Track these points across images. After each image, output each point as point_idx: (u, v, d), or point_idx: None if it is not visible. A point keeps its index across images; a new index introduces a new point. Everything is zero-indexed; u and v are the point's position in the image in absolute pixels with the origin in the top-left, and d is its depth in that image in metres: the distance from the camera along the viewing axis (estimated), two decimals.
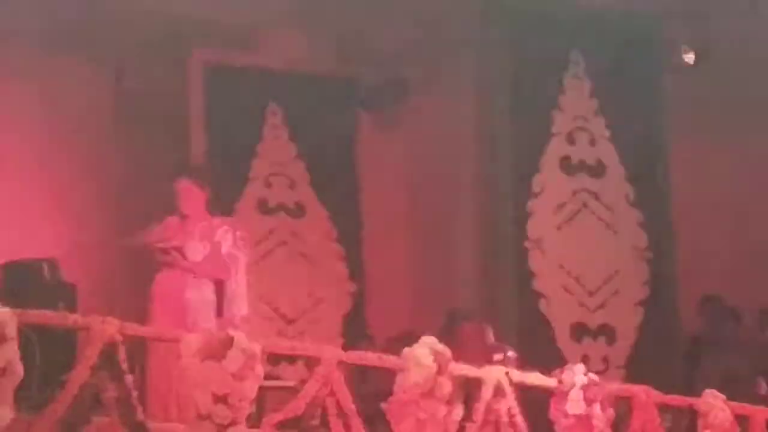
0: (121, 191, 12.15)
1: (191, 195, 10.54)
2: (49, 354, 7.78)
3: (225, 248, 10.43)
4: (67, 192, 10.84)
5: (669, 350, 13.29)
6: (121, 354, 7.70)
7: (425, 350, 8.96)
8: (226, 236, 10.51)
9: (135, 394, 7.79)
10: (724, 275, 13.81)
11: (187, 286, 10.17)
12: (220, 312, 10.32)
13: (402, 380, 8.87)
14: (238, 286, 10.45)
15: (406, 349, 8.98)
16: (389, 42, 13.25)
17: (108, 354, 7.67)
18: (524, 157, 13.58)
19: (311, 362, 8.70)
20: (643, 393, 10.18)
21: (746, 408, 10.82)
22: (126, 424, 7.69)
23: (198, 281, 10.26)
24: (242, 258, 10.54)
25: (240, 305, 10.45)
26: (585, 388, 9.70)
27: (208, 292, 10.30)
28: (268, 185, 13.28)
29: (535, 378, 9.77)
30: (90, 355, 7.64)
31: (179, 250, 10.33)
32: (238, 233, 10.58)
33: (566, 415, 9.67)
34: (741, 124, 13.99)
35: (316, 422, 8.44)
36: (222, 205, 12.90)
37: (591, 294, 13.37)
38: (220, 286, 10.35)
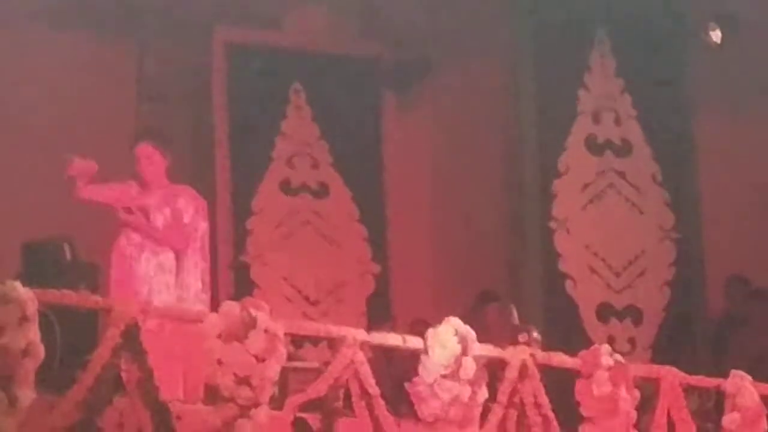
0: None
1: (152, 160, 10.35)
2: (70, 335, 7.84)
3: (186, 218, 10.29)
4: None
5: (696, 331, 13.29)
6: (137, 337, 7.78)
7: (449, 331, 8.98)
8: (188, 205, 10.37)
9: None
10: (752, 256, 13.76)
11: (146, 251, 10.04)
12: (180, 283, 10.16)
13: (426, 362, 8.90)
14: (197, 257, 10.29)
15: (430, 331, 9.00)
16: (412, 20, 13.24)
17: (130, 334, 7.71)
18: (550, 136, 13.59)
19: (334, 344, 8.72)
20: (669, 374, 10.17)
21: None
22: (148, 405, 7.72)
23: (158, 248, 10.11)
24: (203, 229, 10.40)
25: (196, 277, 10.29)
26: (611, 369, 9.70)
27: (168, 261, 10.13)
28: (291, 166, 13.27)
29: (560, 359, 9.79)
30: (112, 335, 7.67)
31: (143, 211, 10.20)
32: (200, 203, 10.46)
33: (592, 397, 9.69)
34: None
35: (339, 404, 8.47)
36: (245, 182, 13.01)
37: (617, 274, 13.34)
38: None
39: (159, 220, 10.21)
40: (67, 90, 11.79)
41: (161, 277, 9.90)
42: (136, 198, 10.26)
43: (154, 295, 9.53)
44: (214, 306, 8.53)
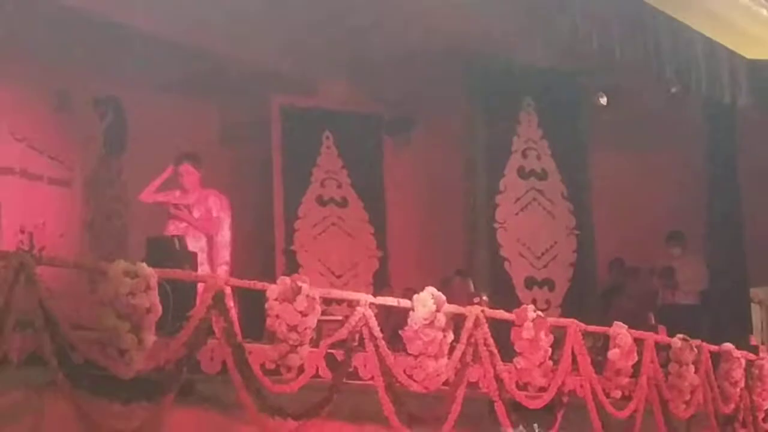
0: (228, 199, 12.19)
1: (190, 174, 10.33)
2: (178, 298, 7.75)
3: (215, 212, 10.29)
4: None
5: (590, 296, 13.28)
6: (228, 298, 7.84)
7: (428, 296, 9.04)
8: (215, 203, 10.34)
9: (237, 324, 7.90)
10: (626, 246, 13.83)
11: (189, 236, 9.97)
12: (210, 258, 10.24)
13: (413, 316, 8.97)
14: (223, 238, 10.30)
15: (416, 295, 9.07)
16: (401, 91, 13.23)
17: (218, 298, 7.73)
18: (493, 166, 13.51)
19: (352, 304, 8.77)
20: (572, 324, 10.21)
21: (641, 333, 10.88)
22: (230, 344, 7.74)
23: (196, 233, 10.13)
24: (226, 219, 10.35)
25: (223, 253, 10.34)
26: (534, 321, 9.76)
27: (203, 243, 10.19)
28: (323, 186, 13.26)
29: (501, 314, 9.84)
30: (206, 299, 7.70)
31: (188, 208, 10.26)
32: (224, 202, 10.41)
33: (521, 339, 9.74)
34: (639, 144, 13.95)
35: (355, 344, 8.52)
36: (293, 198, 13.00)
37: (537, 258, 13.29)
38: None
39: (196, 213, 10.28)
40: (175, 136, 11.71)
41: (198, 253, 9.80)
42: (179, 199, 10.31)
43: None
44: (272, 280, 8.55)
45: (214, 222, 10.28)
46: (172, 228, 10.24)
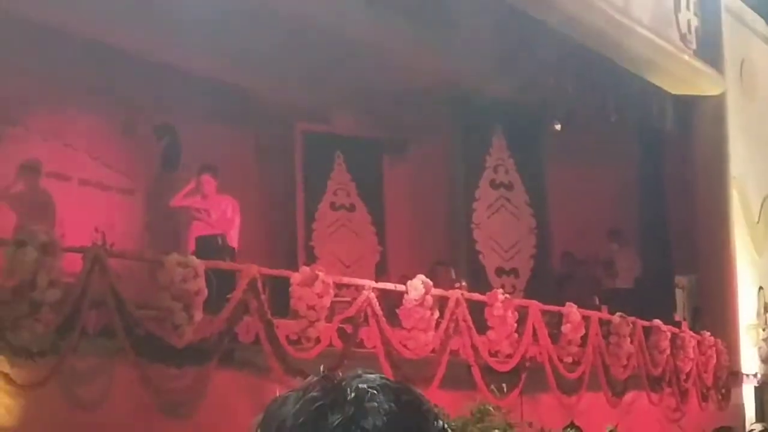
0: (260, 205, 12.14)
1: (209, 182, 10.18)
2: (220, 284, 7.79)
3: (228, 214, 10.14)
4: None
5: (547, 282, 13.18)
6: (259, 284, 7.83)
7: (419, 281, 9.06)
8: (228, 207, 10.19)
9: (267, 304, 7.90)
10: (576, 241, 13.79)
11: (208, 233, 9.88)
12: None
13: (406, 297, 8.98)
14: (234, 234, 10.09)
15: (409, 281, 9.09)
16: (397, 120, 13.17)
17: (252, 284, 7.76)
18: (471, 180, 13.43)
19: (358, 288, 8.81)
20: (533, 305, 10.24)
21: (588, 312, 10.88)
22: (261, 320, 7.77)
23: (213, 231, 9.95)
24: (237, 220, 10.19)
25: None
26: (503, 302, 9.78)
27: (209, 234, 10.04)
28: (336, 195, 13.17)
29: (476, 296, 9.87)
30: (242, 285, 7.72)
31: (206, 211, 10.14)
32: (235, 205, 10.24)
33: (493, 316, 9.75)
34: (586, 160, 13.94)
35: (361, 320, 8.53)
36: (312, 204, 12.99)
37: (506, 252, 13.22)
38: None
39: (213, 215, 10.12)
40: (218, 156, 11.61)
41: None
42: (200, 203, 10.21)
43: None
44: (295, 269, 8.52)
45: (227, 222, 10.11)
46: (195, 226, 10.14)
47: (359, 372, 1.60)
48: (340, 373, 1.61)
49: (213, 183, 10.23)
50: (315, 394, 1.58)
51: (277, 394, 1.56)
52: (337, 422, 1.54)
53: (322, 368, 1.63)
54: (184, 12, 9.16)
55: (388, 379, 1.60)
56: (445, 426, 1.58)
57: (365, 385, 1.57)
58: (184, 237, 10.25)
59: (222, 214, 10.15)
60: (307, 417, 1.56)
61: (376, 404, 1.55)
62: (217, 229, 9.98)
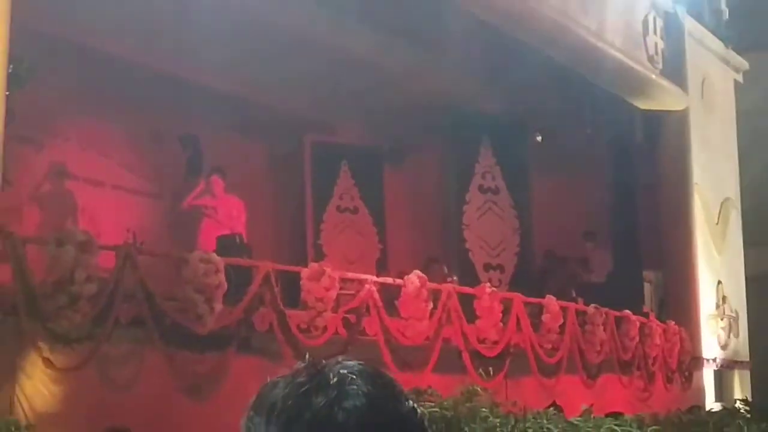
0: (273, 208, 12.08)
1: (218, 183, 10.11)
2: (238, 279, 7.74)
3: (235, 212, 10.02)
4: (252, 211, 10.65)
5: (529, 277, 13.14)
6: (272, 278, 7.81)
7: (415, 276, 9.05)
8: (235, 206, 10.07)
9: (280, 296, 7.87)
10: (555, 241, 13.71)
11: (216, 229, 9.82)
12: None
13: (404, 290, 8.97)
14: (242, 230, 9.99)
15: (405, 276, 9.08)
16: (396, 132, 13.13)
17: (266, 279, 7.74)
18: (461, 185, 13.37)
19: (361, 282, 8.79)
20: (517, 297, 10.23)
21: (566, 303, 10.86)
22: (275, 311, 7.76)
23: (222, 226, 9.86)
24: (242, 217, 10.05)
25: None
26: (490, 294, 9.77)
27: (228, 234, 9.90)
28: (341, 198, 13.13)
29: (466, 290, 9.85)
30: (257, 279, 7.72)
31: (214, 209, 10.03)
32: (241, 205, 10.12)
33: (482, 307, 9.72)
34: (564, 168, 13.92)
35: (364, 311, 8.52)
36: (320, 207, 12.95)
37: (492, 249, 13.18)
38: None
39: (221, 213, 10.02)
40: (237, 163, 11.56)
41: None
42: (209, 201, 10.13)
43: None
44: (305, 265, 8.48)
45: (233, 219, 10.02)
46: (205, 223, 10.03)
47: (339, 359, 1.66)
48: (323, 361, 1.66)
49: (221, 183, 10.16)
50: (301, 379, 1.63)
51: (268, 380, 1.60)
52: (321, 404, 1.59)
53: (307, 356, 1.69)
54: (208, 36, 9.20)
55: (365, 365, 1.66)
56: (415, 406, 1.64)
57: (346, 371, 1.63)
58: (196, 233, 10.18)
59: (228, 212, 10.06)
60: (295, 399, 1.61)
61: (355, 387, 1.60)
62: (225, 226, 9.88)
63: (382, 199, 13.51)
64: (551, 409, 7.68)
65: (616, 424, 6.46)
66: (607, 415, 7.79)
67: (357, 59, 10.75)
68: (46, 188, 9.86)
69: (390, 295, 9.16)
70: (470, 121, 13.18)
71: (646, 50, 12.94)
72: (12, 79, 6.58)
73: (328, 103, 12.15)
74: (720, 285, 14.15)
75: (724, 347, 13.90)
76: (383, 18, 9.47)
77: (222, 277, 7.28)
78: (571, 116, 12.55)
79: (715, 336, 13.85)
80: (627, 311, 11.78)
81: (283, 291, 8.07)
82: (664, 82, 13.22)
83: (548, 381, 10.19)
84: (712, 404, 12.26)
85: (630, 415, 8.05)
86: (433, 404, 6.15)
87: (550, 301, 10.45)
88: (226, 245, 9.09)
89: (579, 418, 6.66)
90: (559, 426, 6.08)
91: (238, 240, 9.43)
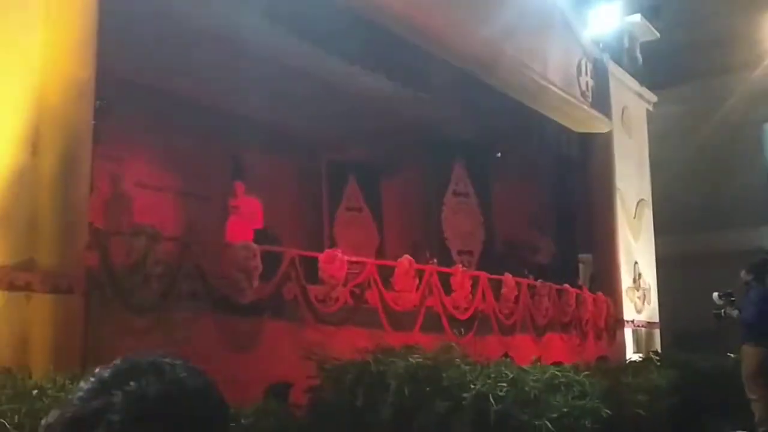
0: (298, 209, 11.93)
1: (239, 186, 9.92)
2: (268, 262, 7.50)
3: (252, 209, 9.78)
4: (282, 210, 10.52)
5: (492, 259, 13.07)
6: (297, 262, 7.72)
7: (405, 259, 8.99)
8: (254, 205, 9.85)
9: (302, 275, 7.80)
10: (512, 232, 13.71)
11: (240, 226, 9.59)
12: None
13: (397, 270, 8.93)
14: (259, 225, 9.70)
15: (399, 259, 9.04)
16: (390, 150, 13.10)
17: (292, 262, 7.62)
18: (440, 191, 13.33)
19: (364, 265, 8.74)
20: (482, 275, 10.14)
21: (520, 279, 10.76)
22: (299, 286, 7.62)
23: (246, 223, 9.63)
24: (259, 214, 9.76)
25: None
26: (462, 273, 9.72)
27: (250, 231, 9.68)
28: (349, 200, 13.17)
29: (444, 269, 9.79)
30: (285, 262, 7.61)
31: (237, 207, 9.78)
32: (259, 205, 9.85)
33: (456, 283, 9.69)
34: (519, 177, 13.84)
35: (367, 286, 8.45)
36: (333, 208, 12.88)
37: (464, 239, 13.15)
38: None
39: (243, 211, 9.81)
40: (272, 178, 11.46)
41: (248, 237, 9.25)
42: (233, 201, 9.94)
43: None
44: (322, 251, 8.42)
45: (253, 217, 9.83)
46: (231, 219, 9.78)
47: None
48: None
49: (242, 187, 10.00)
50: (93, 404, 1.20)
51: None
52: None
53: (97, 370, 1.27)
54: (251, 78, 9.19)
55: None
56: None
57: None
58: (224, 226, 9.93)
59: (247, 209, 9.85)
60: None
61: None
62: (246, 221, 9.58)
63: (380, 202, 13.49)
64: (505, 359, 7.66)
65: (558, 370, 6.48)
66: (551, 364, 7.78)
67: (364, 98, 10.77)
68: (120, 192, 9.81)
69: (386, 274, 9.12)
70: (447, 142, 13.15)
71: (580, 87, 12.94)
72: (97, 112, 6.54)
73: (340, 129, 12.12)
74: (636, 265, 14.17)
75: (639, 312, 13.91)
76: (386, 65, 9.41)
77: (258, 260, 7.21)
78: (524, 138, 12.55)
79: (633, 303, 13.86)
80: (566, 285, 11.78)
81: (305, 271, 8.00)
82: (594, 112, 13.22)
83: (506, 338, 10.17)
84: (631, 355, 12.27)
85: (568, 363, 8.04)
86: (419, 356, 6.14)
87: (508, 278, 10.44)
88: (262, 236, 9.06)
89: (530, 366, 6.67)
90: (514, 371, 6.09)
91: (270, 233, 9.36)
